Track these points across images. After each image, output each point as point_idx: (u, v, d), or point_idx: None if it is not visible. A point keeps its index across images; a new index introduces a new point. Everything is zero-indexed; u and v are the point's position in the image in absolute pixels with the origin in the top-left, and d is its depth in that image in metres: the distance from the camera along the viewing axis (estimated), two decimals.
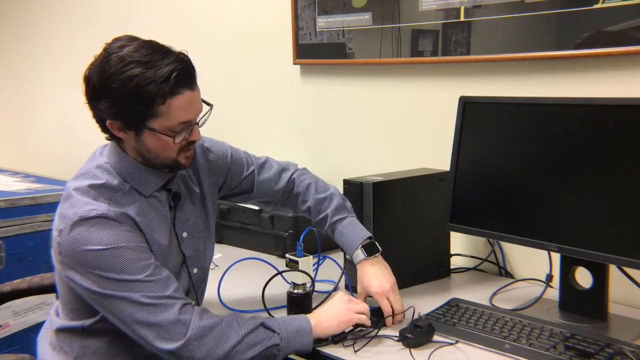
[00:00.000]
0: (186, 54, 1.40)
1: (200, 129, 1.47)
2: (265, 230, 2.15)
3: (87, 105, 1.43)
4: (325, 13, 2.27)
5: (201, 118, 1.46)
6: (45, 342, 1.58)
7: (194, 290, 1.59)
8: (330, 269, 1.89)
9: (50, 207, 2.65)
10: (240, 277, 1.85)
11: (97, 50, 1.41)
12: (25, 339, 2.58)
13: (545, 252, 1.65)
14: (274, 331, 1.41)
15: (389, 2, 2.09)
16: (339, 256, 1.84)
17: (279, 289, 1.67)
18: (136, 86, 1.32)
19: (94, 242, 1.35)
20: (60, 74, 3.54)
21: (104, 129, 1.44)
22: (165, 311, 1.35)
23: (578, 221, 1.53)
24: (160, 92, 1.33)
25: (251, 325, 1.40)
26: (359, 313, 1.50)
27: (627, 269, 1.59)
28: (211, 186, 1.65)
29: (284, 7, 2.38)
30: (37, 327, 2.59)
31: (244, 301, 1.72)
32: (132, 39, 1.39)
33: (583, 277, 1.59)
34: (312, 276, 1.62)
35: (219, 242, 2.30)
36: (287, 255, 1.71)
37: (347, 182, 1.77)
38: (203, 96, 1.44)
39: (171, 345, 1.34)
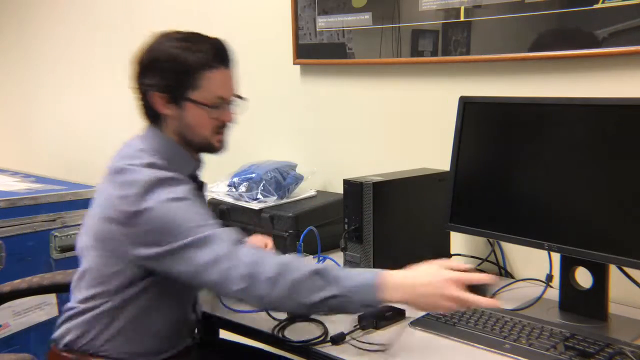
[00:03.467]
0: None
1: None
2: (265, 230, 2.15)
3: (133, 87, 1.54)
4: (325, 13, 2.27)
5: (233, 102, 1.58)
6: (69, 324, 1.55)
7: None
8: None
9: (50, 207, 2.65)
10: None
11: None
12: (25, 339, 2.58)
13: (545, 252, 1.65)
14: (330, 282, 1.34)
15: (389, 2, 2.09)
16: (339, 256, 1.84)
17: None
18: (181, 56, 1.48)
19: (175, 193, 1.41)
20: (60, 74, 3.54)
21: (146, 108, 1.53)
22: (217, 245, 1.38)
23: (578, 221, 1.53)
24: (200, 62, 1.48)
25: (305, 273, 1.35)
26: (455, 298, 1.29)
27: (627, 269, 1.59)
28: None
29: (284, 7, 2.38)
30: (37, 327, 2.60)
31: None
32: (178, 30, 1.55)
33: (583, 277, 1.59)
34: None
35: None
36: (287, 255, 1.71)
37: (347, 182, 1.77)
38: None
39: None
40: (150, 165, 1.47)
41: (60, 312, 2.65)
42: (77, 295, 1.54)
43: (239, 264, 1.35)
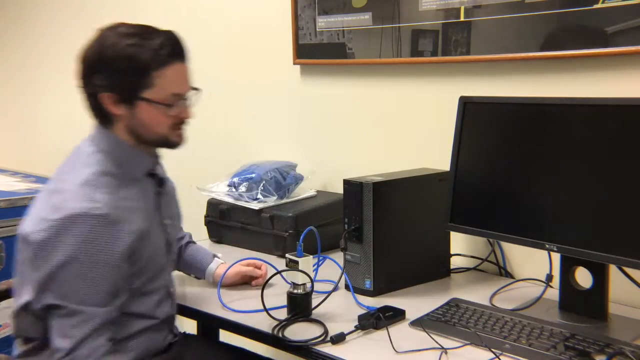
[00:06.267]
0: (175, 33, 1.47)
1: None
2: (265, 230, 2.15)
3: (80, 87, 1.47)
4: (325, 13, 2.27)
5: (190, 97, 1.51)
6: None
7: (170, 276, 1.64)
8: (330, 269, 1.89)
9: None
10: None
11: None
12: None
13: (545, 252, 1.65)
14: None
15: (389, 2, 2.09)
16: (339, 256, 1.84)
17: (279, 289, 1.67)
18: (132, 54, 1.39)
19: (72, 242, 1.35)
20: (60, 74, 3.54)
21: (95, 109, 1.47)
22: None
23: (578, 221, 1.53)
24: (154, 60, 1.40)
25: None
26: None
27: (627, 269, 1.59)
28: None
29: (284, 7, 2.38)
30: None
31: (244, 301, 1.72)
32: (126, 23, 1.47)
33: (583, 277, 1.59)
34: (312, 276, 1.62)
35: (219, 242, 2.31)
36: (287, 255, 1.71)
37: (347, 182, 1.77)
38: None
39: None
40: (99, 177, 1.42)
41: None
42: None
43: None
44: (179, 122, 1.50)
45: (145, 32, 1.43)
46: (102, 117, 1.48)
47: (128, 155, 1.49)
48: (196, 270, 1.86)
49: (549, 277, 1.70)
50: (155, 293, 1.56)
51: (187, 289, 1.85)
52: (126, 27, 1.44)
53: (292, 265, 1.66)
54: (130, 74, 1.41)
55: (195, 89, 1.52)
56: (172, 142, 1.52)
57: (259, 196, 2.19)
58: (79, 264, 1.36)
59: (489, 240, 1.96)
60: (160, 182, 1.59)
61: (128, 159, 1.49)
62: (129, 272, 1.45)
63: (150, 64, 1.40)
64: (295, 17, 2.36)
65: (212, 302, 1.72)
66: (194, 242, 1.93)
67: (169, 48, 1.42)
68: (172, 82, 1.44)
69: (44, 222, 1.38)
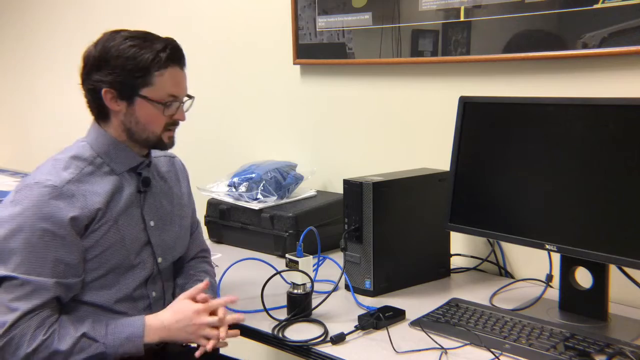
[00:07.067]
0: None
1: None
2: (265, 230, 2.15)
3: (81, 84, 1.55)
4: (325, 13, 2.27)
5: (186, 101, 1.59)
6: None
7: (160, 277, 1.62)
8: (330, 269, 1.89)
9: None
10: (240, 277, 1.85)
11: None
12: None
13: (545, 252, 1.65)
14: (97, 341, 1.43)
15: (389, 2, 2.09)
16: (338, 256, 1.85)
17: (279, 289, 1.67)
18: (134, 54, 1.49)
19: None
20: (59, 74, 3.54)
21: (94, 103, 1.54)
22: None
23: (578, 221, 1.53)
24: (155, 61, 1.50)
25: (72, 340, 1.42)
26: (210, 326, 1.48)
27: (627, 269, 1.59)
28: (190, 197, 1.77)
29: (284, 7, 2.38)
30: None
31: (243, 301, 1.72)
32: (129, 29, 1.56)
33: (583, 277, 1.59)
34: (312, 276, 1.62)
35: (219, 242, 2.31)
36: (287, 255, 1.71)
37: (347, 182, 1.77)
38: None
39: None
40: (70, 159, 1.50)
41: None
42: None
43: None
44: (171, 123, 1.58)
45: (147, 37, 1.53)
46: (99, 112, 1.56)
47: (112, 148, 1.56)
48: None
49: (549, 277, 1.70)
50: (119, 290, 1.55)
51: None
52: (129, 32, 1.53)
53: (292, 265, 1.66)
54: (131, 71, 1.49)
55: (190, 96, 1.59)
56: (163, 143, 1.59)
57: (259, 196, 2.19)
58: (25, 233, 1.41)
59: (489, 240, 1.96)
60: (144, 182, 1.60)
61: (110, 151, 1.55)
62: (86, 253, 1.48)
63: (151, 64, 1.49)
64: (295, 17, 2.36)
65: None
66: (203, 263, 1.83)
67: (169, 52, 1.51)
68: (170, 84, 1.53)
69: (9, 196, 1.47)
